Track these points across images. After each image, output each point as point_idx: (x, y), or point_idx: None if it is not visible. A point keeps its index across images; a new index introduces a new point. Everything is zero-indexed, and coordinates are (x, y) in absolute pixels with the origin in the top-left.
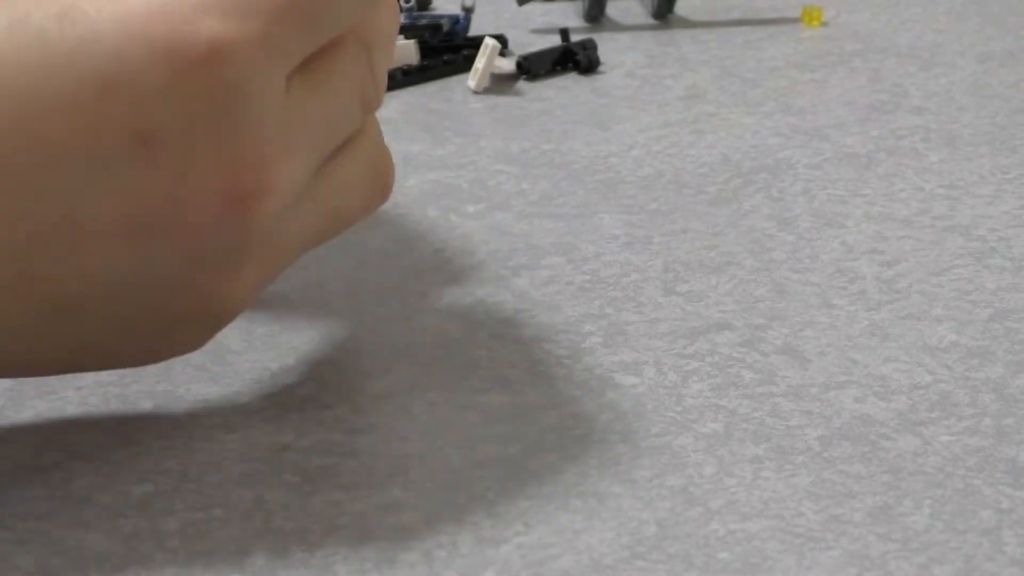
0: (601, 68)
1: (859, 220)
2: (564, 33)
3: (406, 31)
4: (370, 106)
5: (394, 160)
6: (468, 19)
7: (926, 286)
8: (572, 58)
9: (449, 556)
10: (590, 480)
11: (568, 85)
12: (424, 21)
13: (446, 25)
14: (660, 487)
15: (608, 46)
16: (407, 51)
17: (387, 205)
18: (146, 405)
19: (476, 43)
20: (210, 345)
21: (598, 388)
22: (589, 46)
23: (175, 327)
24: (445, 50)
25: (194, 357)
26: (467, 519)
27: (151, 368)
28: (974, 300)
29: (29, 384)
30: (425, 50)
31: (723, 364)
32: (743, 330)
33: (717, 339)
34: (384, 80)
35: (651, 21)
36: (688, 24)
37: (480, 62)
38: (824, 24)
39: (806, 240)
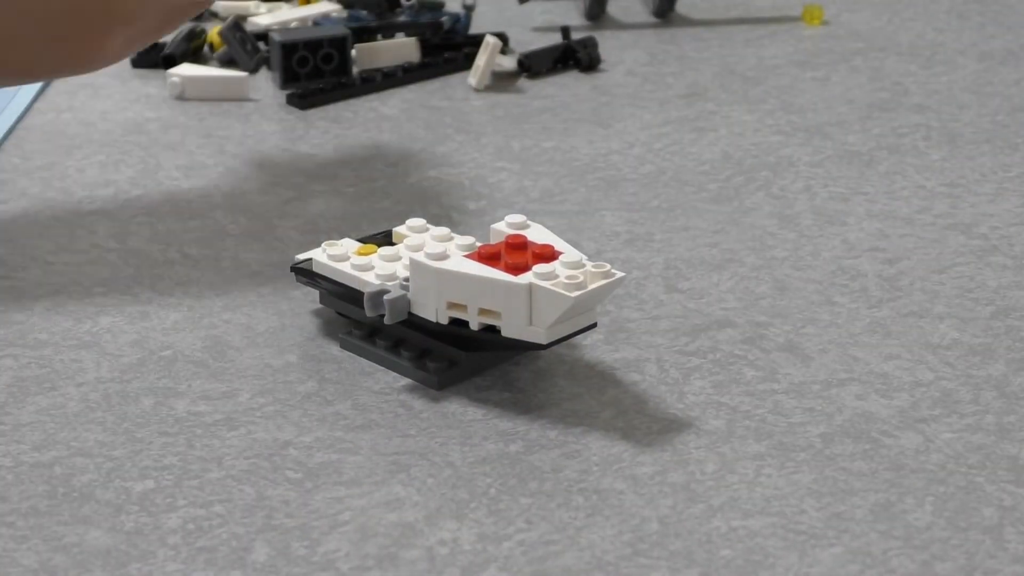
0: (602, 66)
1: (860, 218)
2: (565, 31)
3: (407, 29)
4: None
5: (396, 156)
6: (469, 17)
7: (927, 284)
8: (573, 56)
9: (451, 553)
10: (592, 477)
11: (569, 83)
12: (425, 19)
13: (447, 23)
14: (662, 484)
15: (609, 44)
16: (408, 49)
17: (388, 202)
18: (147, 402)
19: (477, 41)
20: (211, 342)
21: (600, 385)
22: (590, 44)
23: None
24: (446, 48)
25: (195, 354)
26: (469, 516)
27: (152, 364)
28: (976, 298)
29: (31, 381)
30: (426, 48)
31: (725, 361)
32: (745, 327)
33: (719, 336)
34: None
35: (652, 19)
36: (689, 22)
37: (481, 60)
38: (825, 23)
39: (807, 238)
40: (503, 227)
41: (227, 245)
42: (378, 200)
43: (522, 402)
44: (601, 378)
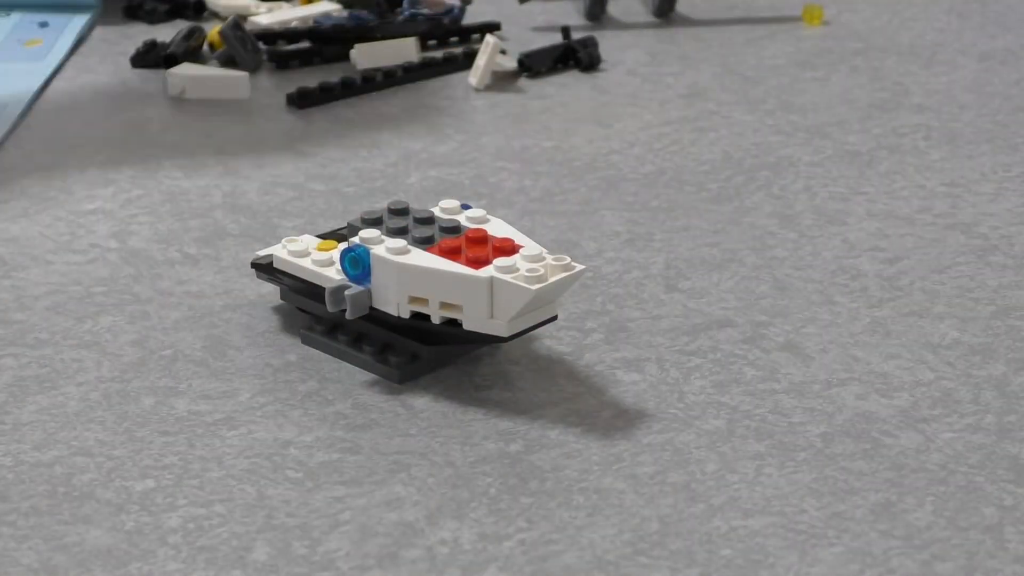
0: (602, 66)
1: (861, 217)
2: (565, 31)
3: (407, 27)
4: None
5: (396, 156)
6: (462, 11)
7: (928, 283)
8: (573, 56)
9: (451, 552)
10: (592, 477)
11: (569, 83)
12: (424, 13)
13: (446, 20)
14: (662, 484)
15: (609, 44)
16: (408, 49)
17: (388, 202)
18: (148, 401)
19: (467, 30)
20: (212, 341)
21: (600, 385)
22: (590, 44)
23: None
24: (430, 36)
25: (195, 353)
26: (469, 515)
27: (153, 364)
28: (976, 297)
29: (31, 380)
30: (423, 41)
31: (725, 361)
32: (745, 327)
33: (719, 336)
34: None
35: (652, 19)
36: (689, 22)
37: (481, 60)
38: (825, 23)
39: (808, 237)
40: (438, 211)
41: (227, 245)
42: (378, 200)
43: (522, 402)
44: (601, 377)
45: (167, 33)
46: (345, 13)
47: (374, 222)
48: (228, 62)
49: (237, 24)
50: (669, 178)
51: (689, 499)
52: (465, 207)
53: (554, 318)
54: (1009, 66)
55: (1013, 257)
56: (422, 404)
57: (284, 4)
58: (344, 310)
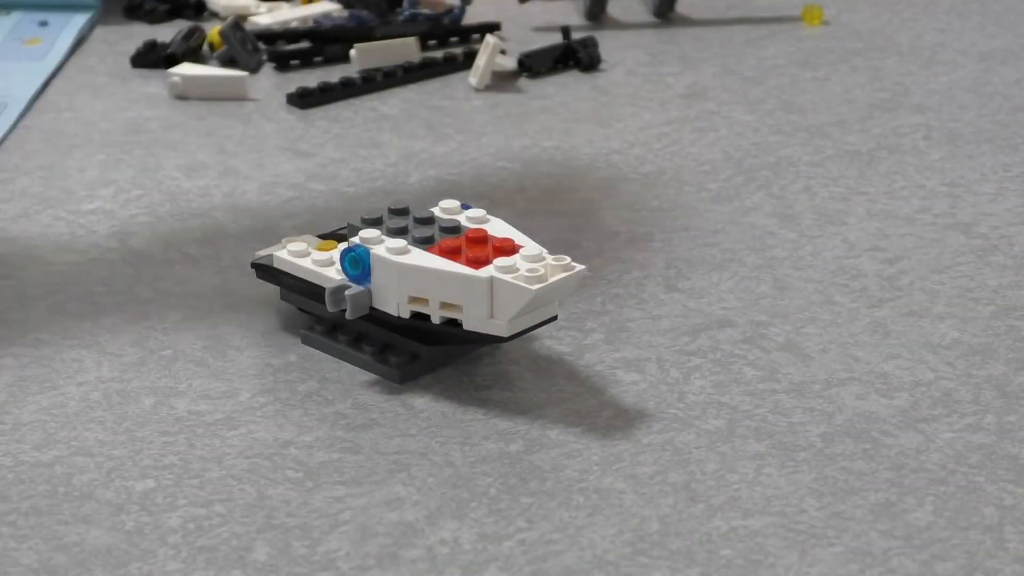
0: (602, 66)
1: (861, 217)
2: (565, 31)
3: (407, 27)
4: None
5: (396, 156)
6: (462, 11)
7: (928, 283)
8: (573, 56)
9: (451, 552)
10: (592, 477)
11: (569, 82)
12: (424, 13)
13: (446, 20)
14: (662, 484)
15: (609, 44)
16: (408, 48)
17: (388, 202)
18: (148, 401)
19: (467, 31)
20: (212, 341)
21: (600, 385)
22: (590, 44)
23: None
24: (430, 36)
25: (195, 353)
26: (469, 515)
27: (153, 364)
28: (976, 297)
29: (31, 380)
30: (423, 40)
31: (725, 361)
32: (745, 327)
33: (719, 336)
34: None
35: (652, 19)
36: (689, 22)
37: (481, 60)
38: (825, 23)
39: (808, 237)
40: (438, 211)
41: (227, 245)
42: (378, 200)
43: (522, 402)
44: (601, 377)
45: (167, 33)
46: (345, 13)
47: (374, 222)
48: (228, 62)
49: (237, 24)
50: (669, 178)
51: (689, 499)
52: (465, 207)
53: (554, 318)
54: (1009, 66)
55: (1013, 257)
56: (422, 404)
57: (284, 4)
58: (344, 310)
